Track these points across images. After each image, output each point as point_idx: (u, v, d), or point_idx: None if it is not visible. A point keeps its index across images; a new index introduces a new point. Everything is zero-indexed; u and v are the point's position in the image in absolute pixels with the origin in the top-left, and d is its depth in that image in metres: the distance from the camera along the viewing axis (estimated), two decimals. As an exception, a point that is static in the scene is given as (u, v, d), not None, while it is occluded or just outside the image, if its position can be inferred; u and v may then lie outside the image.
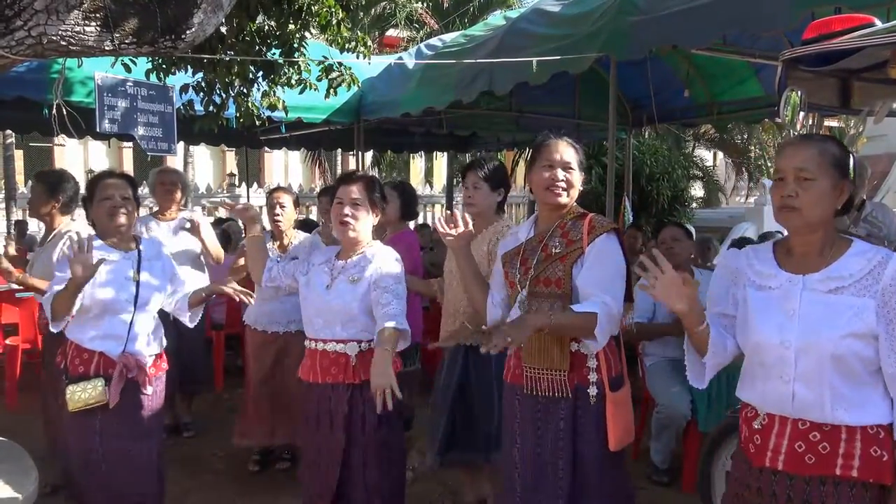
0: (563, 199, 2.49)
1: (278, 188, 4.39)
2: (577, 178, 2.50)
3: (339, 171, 20.91)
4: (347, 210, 2.77)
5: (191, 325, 3.24)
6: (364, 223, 2.82)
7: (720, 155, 21.07)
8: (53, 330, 2.86)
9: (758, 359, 1.96)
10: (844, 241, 1.90)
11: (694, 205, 12.58)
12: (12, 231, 11.32)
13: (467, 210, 3.43)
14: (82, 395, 2.82)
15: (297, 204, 4.30)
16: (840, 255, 1.87)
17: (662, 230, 4.36)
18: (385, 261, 2.82)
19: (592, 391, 2.41)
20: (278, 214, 4.09)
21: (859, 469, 1.81)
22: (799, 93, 2.27)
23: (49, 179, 3.87)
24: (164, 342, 3.12)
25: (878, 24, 2.15)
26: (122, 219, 2.94)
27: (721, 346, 2.03)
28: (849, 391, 1.82)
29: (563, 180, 2.47)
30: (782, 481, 1.89)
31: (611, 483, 2.47)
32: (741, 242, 6.04)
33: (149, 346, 2.99)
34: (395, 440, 2.90)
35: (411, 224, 5.81)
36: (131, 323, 2.91)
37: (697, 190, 15.78)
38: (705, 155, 19.34)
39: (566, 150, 2.49)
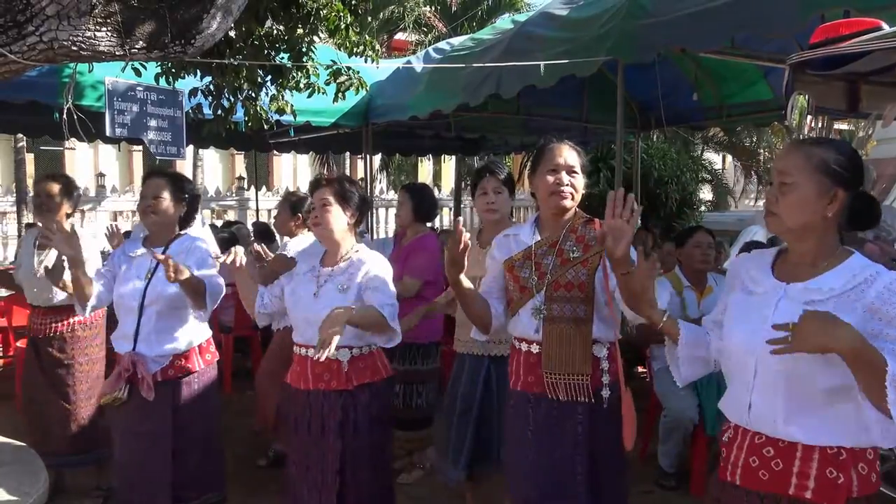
0: (569, 203, 2.48)
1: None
2: (580, 181, 2.49)
3: (348, 174, 20.90)
4: (316, 213, 2.81)
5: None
6: (336, 221, 2.81)
7: (729, 158, 20.98)
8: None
9: (726, 363, 1.91)
10: (844, 254, 1.77)
11: (703, 208, 12.50)
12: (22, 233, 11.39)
13: (489, 216, 3.33)
14: (105, 389, 2.93)
15: (295, 209, 4.49)
16: (831, 269, 1.74)
17: (696, 234, 4.28)
18: (374, 265, 2.82)
19: (605, 393, 2.42)
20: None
21: (814, 491, 1.68)
22: (806, 96, 2.27)
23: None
24: (190, 344, 3.03)
25: (886, 27, 2.16)
26: (150, 218, 3.04)
27: (695, 339, 2.00)
28: (804, 407, 1.70)
29: (568, 184, 2.45)
30: (740, 497, 1.80)
31: (622, 482, 2.52)
32: (751, 246, 6.01)
33: (159, 346, 2.94)
34: (386, 442, 2.97)
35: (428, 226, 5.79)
36: (139, 322, 2.93)
37: (706, 193, 15.71)
38: (714, 158, 19.27)
39: (570, 154, 2.48)
